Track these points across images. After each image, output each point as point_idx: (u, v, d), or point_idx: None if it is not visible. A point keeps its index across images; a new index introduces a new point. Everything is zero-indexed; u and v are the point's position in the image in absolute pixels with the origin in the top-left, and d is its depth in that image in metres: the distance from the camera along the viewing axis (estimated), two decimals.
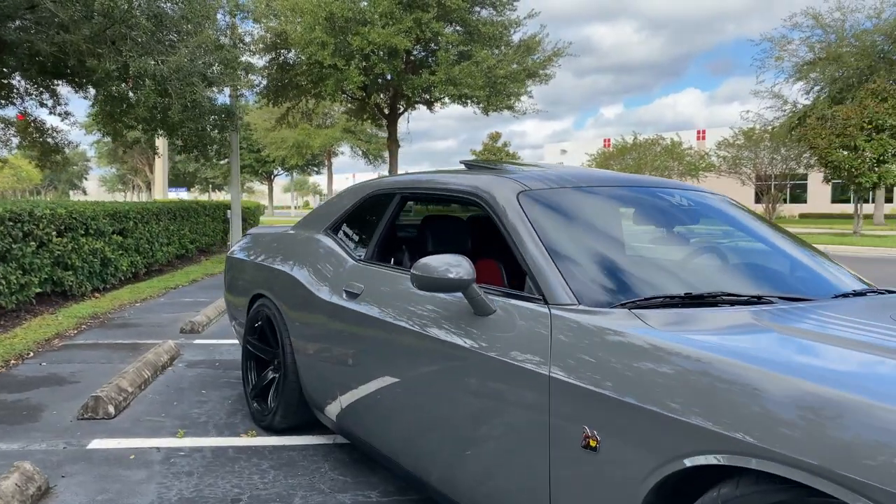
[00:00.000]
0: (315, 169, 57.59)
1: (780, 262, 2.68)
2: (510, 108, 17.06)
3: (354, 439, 3.31)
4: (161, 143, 17.61)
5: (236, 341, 6.40)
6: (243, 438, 3.85)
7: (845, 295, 2.47)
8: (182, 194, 51.86)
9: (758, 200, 38.46)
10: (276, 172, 57.51)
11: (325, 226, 3.78)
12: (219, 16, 13.42)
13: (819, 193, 44.53)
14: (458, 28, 16.13)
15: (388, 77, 16.40)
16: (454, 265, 2.35)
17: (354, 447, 3.69)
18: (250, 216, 22.45)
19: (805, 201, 46.23)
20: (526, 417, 2.13)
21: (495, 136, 60.69)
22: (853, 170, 20.57)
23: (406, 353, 2.72)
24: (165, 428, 4.01)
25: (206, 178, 60.16)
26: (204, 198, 54.01)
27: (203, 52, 11.40)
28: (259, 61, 15.91)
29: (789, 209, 43.97)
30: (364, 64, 15.11)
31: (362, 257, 3.33)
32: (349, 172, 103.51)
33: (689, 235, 2.87)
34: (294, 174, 59.86)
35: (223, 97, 14.73)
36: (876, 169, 20.43)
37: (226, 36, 13.49)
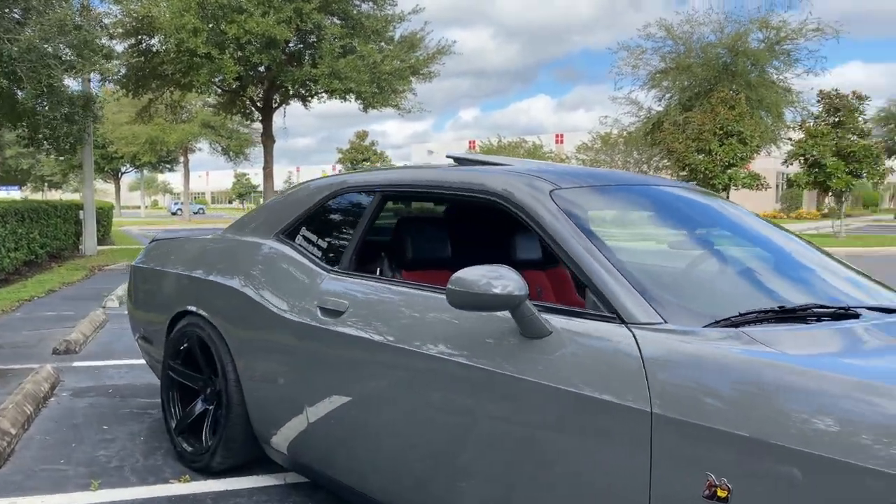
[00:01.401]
0: (168, 166, 53.87)
1: (833, 270, 2.49)
2: (395, 105, 16.66)
3: (321, 477, 2.84)
4: None
5: (125, 361, 5.58)
6: (175, 485, 3.20)
7: None
8: (14, 193, 46.73)
9: None
10: (123, 170, 53.27)
11: (276, 230, 3.22)
12: None
13: None
14: (336, 20, 15.49)
15: (266, 68, 15.44)
16: (494, 277, 1.95)
17: (314, 487, 3.17)
18: (104, 217, 20.51)
19: None
20: (613, 460, 1.78)
21: (362, 135, 59.88)
22: (708, 172, 22.04)
23: (414, 382, 2.29)
24: (71, 479, 3.26)
25: (41, 175, 54.71)
26: (37, 197, 49.10)
27: (58, 32, 10.06)
28: (118, 46, 14.40)
29: None
30: (239, 54, 14.10)
31: (338, 267, 2.82)
32: (203, 170, 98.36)
33: (734, 241, 2.63)
34: (144, 172, 55.78)
35: (77, 84, 13.21)
36: (727, 171, 22.03)
37: (80, 16, 12.06)
